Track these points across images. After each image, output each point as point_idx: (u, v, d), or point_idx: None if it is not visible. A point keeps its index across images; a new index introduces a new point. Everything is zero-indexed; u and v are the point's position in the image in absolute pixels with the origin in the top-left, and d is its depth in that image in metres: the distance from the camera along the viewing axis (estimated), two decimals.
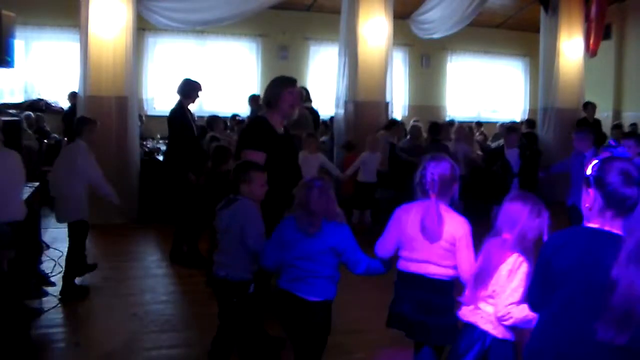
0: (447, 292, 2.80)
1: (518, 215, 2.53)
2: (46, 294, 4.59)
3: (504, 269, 2.53)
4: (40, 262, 5.06)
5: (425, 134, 8.07)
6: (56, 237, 5.90)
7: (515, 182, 6.02)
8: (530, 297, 2.18)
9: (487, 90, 13.25)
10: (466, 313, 2.67)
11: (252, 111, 8.83)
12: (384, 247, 2.93)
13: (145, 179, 7.50)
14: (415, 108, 12.24)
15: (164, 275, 5.55)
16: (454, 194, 2.86)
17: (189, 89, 5.85)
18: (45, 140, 8.54)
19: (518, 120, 11.79)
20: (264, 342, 3.55)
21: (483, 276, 2.57)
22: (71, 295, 4.62)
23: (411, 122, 10.33)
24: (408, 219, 2.82)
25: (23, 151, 4.98)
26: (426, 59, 12.59)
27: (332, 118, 9.12)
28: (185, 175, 5.56)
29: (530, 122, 10.12)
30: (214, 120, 7.34)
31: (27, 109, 9.21)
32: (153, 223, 7.20)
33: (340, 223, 2.86)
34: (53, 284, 4.79)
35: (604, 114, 11.04)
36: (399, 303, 2.88)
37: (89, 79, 7.10)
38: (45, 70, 10.22)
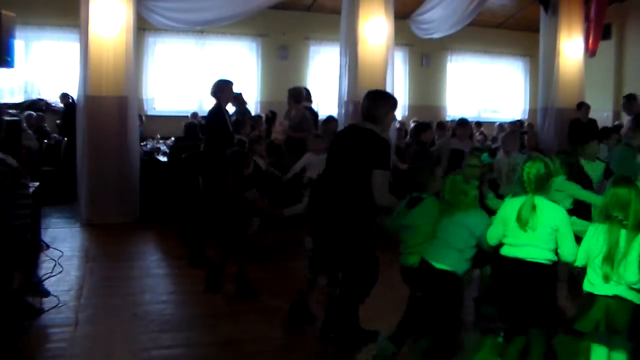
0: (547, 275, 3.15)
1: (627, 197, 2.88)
2: (48, 293, 4.59)
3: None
4: (40, 262, 5.06)
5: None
6: (56, 237, 5.90)
7: None
8: None
9: (487, 90, 13.26)
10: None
11: (237, 110, 8.82)
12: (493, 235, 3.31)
13: (145, 179, 7.50)
14: (415, 108, 12.25)
15: (164, 275, 5.55)
16: None
17: (226, 89, 5.82)
18: (45, 140, 8.54)
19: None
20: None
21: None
22: None
23: (411, 123, 10.36)
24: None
25: (23, 151, 4.98)
26: (426, 58, 12.60)
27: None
28: (224, 177, 5.23)
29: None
30: (239, 123, 7.31)
31: (27, 109, 9.22)
32: (153, 223, 7.20)
33: None
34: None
35: (603, 114, 11.04)
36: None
37: (89, 79, 7.10)
38: (45, 70, 10.23)
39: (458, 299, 3.56)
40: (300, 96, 7.68)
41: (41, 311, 4.33)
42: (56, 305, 4.44)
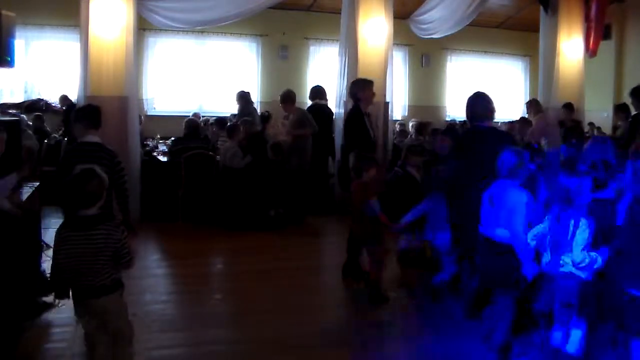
0: None
1: None
2: (49, 293, 4.59)
3: None
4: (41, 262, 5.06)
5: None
6: None
7: None
8: None
9: (487, 90, 13.15)
10: None
11: (242, 108, 8.83)
12: None
13: (146, 179, 7.50)
14: (415, 108, 12.25)
15: (164, 275, 5.56)
16: None
17: (367, 90, 5.83)
18: (45, 140, 8.54)
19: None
20: None
21: None
22: None
23: (411, 123, 10.36)
24: None
25: (23, 151, 4.98)
26: (426, 58, 12.60)
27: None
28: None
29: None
30: (233, 128, 7.45)
31: (27, 109, 9.21)
32: (153, 223, 7.20)
33: None
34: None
35: (603, 114, 11.04)
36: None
37: (89, 79, 7.09)
38: (45, 70, 10.22)
39: None
40: (291, 98, 7.89)
41: (52, 304, 4.34)
42: (56, 305, 4.45)
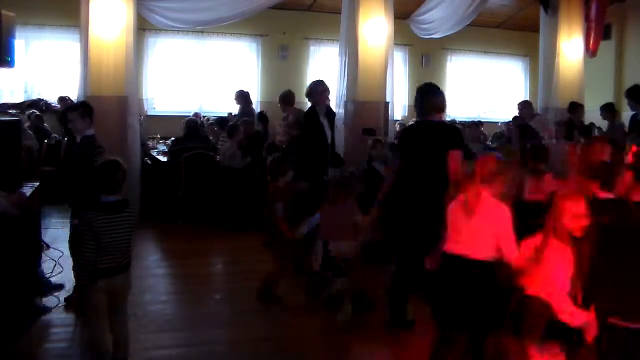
0: None
1: None
2: (50, 293, 4.59)
3: None
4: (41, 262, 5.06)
5: None
6: (56, 237, 5.89)
7: None
8: None
9: (487, 90, 13.25)
10: None
11: (242, 108, 8.82)
12: None
13: (146, 178, 7.50)
14: (415, 108, 12.21)
15: (164, 275, 5.56)
16: None
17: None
18: (45, 140, 8.54)
19: None
20: None
21: None
22: None
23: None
24: None
25: (23, 151, 4.97)
26: (426, 58, 12.59)
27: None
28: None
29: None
30: (234, 129, 7.49)
31: (27, 109, 9.20)
32: (153, 223, 7.20)
33: None
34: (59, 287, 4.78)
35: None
36: None
37: (89, 79, 7.09)
38: (45, 70, 10.22)
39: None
40: (290, 99, 7.85)
41: (48, 309, 4.34)
42: (56, 305, 4.45)
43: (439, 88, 4.42)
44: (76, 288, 4.13)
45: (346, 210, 4.53)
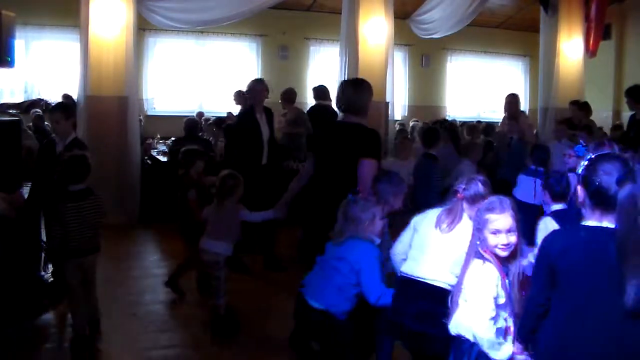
0: None
1: None
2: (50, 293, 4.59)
3: None
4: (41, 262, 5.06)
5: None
6: None
7: None
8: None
9: (487, 90, 13.25)
10: None
11: (243, 109, 8.80)
12: None
13: (146, 178, 7.50)
14: (415, 108, 12.25)
15: (164, 275, 5.54)
16: None
17: None
18: (45, 140, 8.53)
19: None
20: None
21: None
22: None
23: (410, 123, 10.36)
24: None
25: (23, 151, 4.97)
26: (426, 58, 12.60)
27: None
28: None
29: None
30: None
31: (27, 108, 9.20)
32: (153, 223, 7.20)
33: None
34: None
35: (603, 114, 11.04)
36: None
37: (89, 79, 7.10)
38: (45, 70, 10.22)
39: None
40: (291, 96, 7.94)
41: (48, 306, 4.34)
42: (56, 305, 4.45)
43: (366, 85, 3.83)
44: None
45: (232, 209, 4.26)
